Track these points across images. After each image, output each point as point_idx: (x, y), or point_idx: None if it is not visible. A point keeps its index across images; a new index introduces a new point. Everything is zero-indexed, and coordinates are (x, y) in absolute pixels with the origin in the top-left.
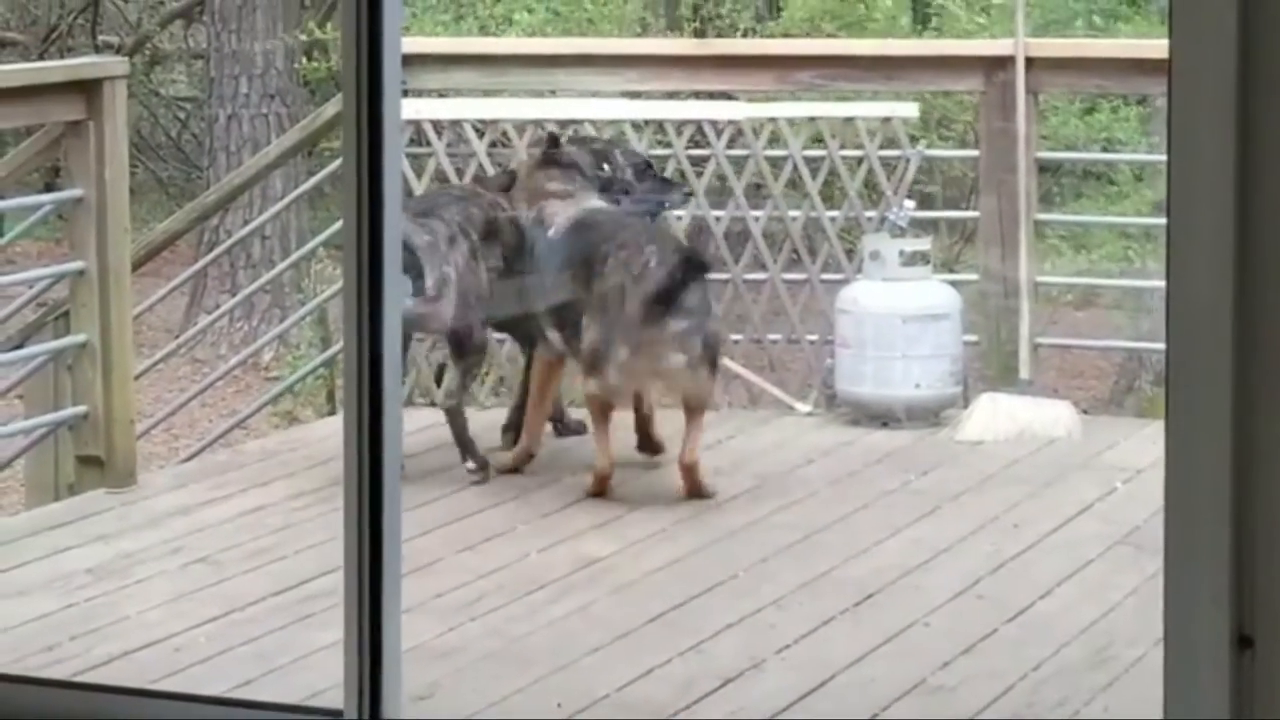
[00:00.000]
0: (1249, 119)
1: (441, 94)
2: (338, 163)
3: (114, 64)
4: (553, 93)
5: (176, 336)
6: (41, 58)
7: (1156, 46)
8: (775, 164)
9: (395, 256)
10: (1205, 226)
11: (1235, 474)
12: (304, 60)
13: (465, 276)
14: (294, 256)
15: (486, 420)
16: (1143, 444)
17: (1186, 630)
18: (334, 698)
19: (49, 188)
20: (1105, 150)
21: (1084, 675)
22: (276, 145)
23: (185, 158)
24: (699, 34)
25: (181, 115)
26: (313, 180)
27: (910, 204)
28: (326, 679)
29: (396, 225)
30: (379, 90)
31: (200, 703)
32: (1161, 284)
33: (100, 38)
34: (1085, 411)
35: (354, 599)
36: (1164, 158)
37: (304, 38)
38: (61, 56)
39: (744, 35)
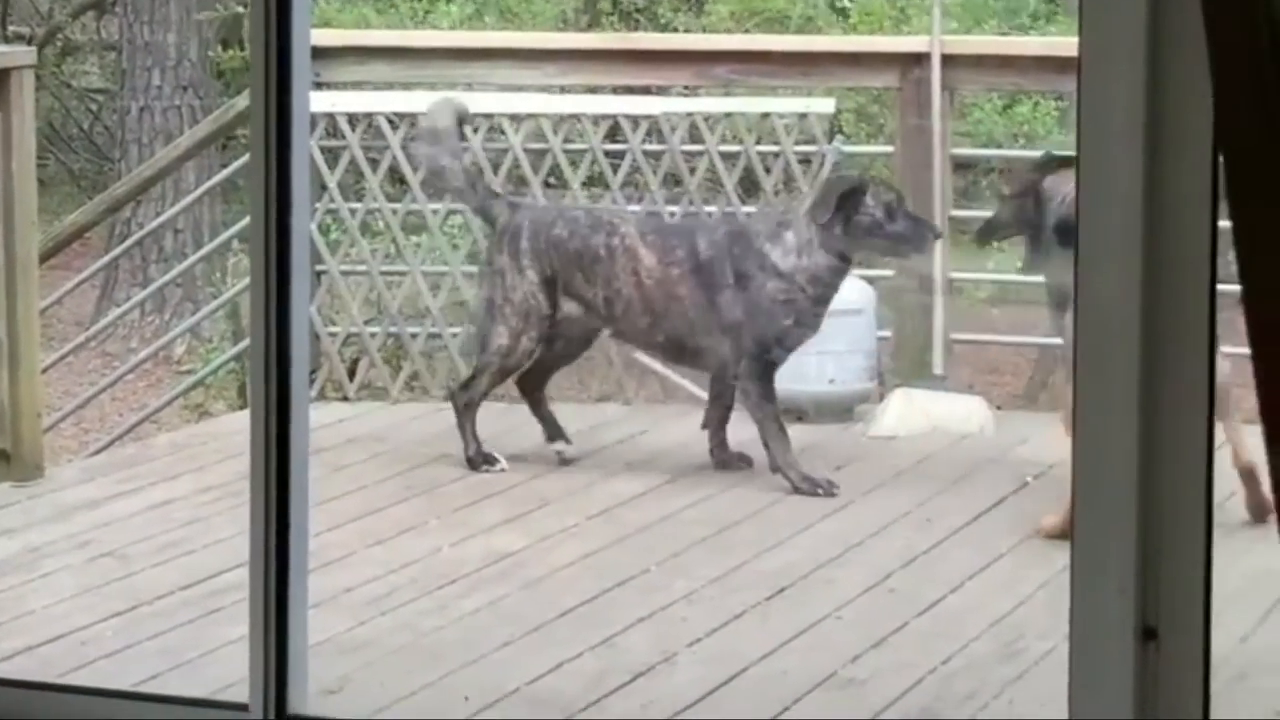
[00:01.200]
0: (1157, 119)
1: (359, 86)
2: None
3: (21, 54)
4: (468, 86)
5: (87, 329)
6: None
7: (1071, 44)
8: (692, 159)
9: (303, 250)
10: (1114, 225)
11: (1142, 467)
12: (220, 49)
13: None
14: (205, 249)
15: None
16: (1054, 440)
17: (1092, 621)
18: (241, 691)
19: None
20: (1026, 146)
21: (993, 668)
22: (188, 136)
23: (97, 150)
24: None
25: (93, 107)
26: (224, 173)
27: None
28: (234, 673)
29: (305, 219)
30: (287, 84)
31: (107, 697)
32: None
33: (10, 28)
34: (1000, 407)
35: (259, 594)
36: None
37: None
38: None
39: (667, 29)
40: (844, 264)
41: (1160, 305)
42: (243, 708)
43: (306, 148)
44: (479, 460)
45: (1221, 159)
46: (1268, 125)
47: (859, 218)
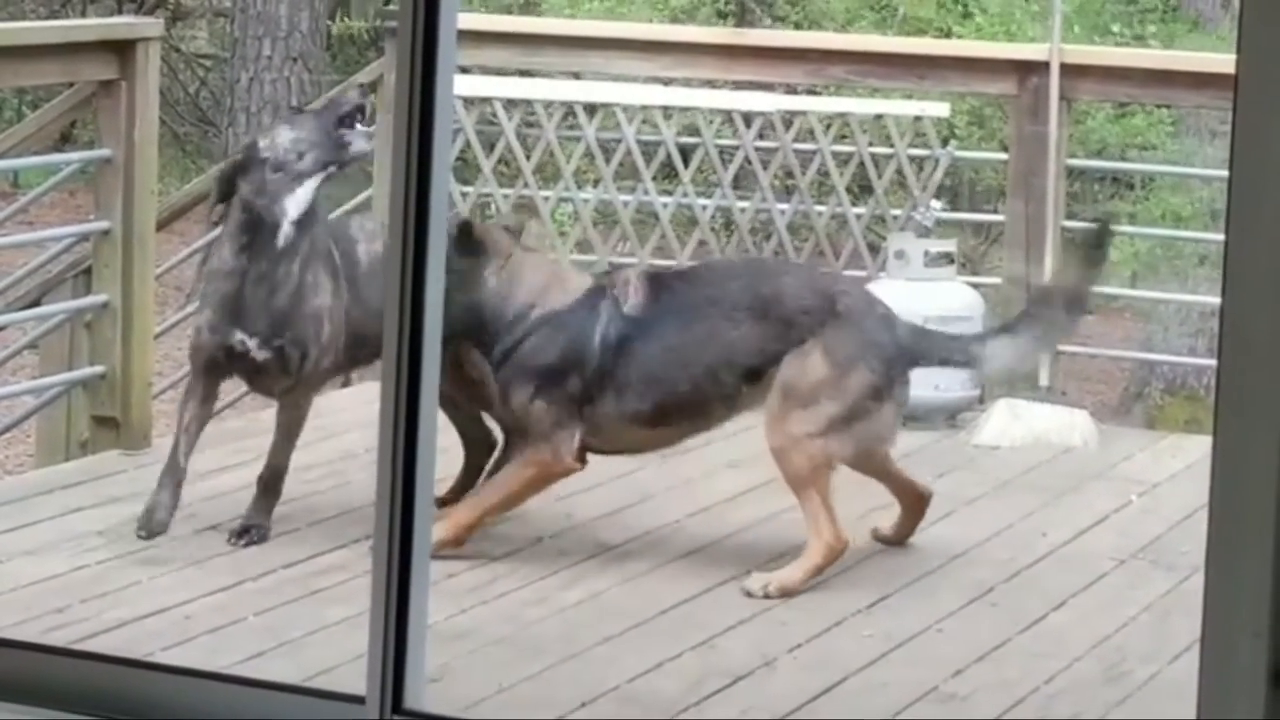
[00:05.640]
0: None
1: (471, 70)
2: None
3: (149, 25)
4: (576, 75)
5: (188, 295)
6: (64, 7)
7: (1188, 58)
8: (804, 157)
9: (440, 229)
10: (1265, 245)
11: None
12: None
13: None
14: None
15: None
16: (1158, 457)
17: (1224, 663)
18: (345, 674)
19: (56, 148)
20: (1143, 151)
21: (1097, 690)
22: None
23: (202, 115)
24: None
25: (200, 73)
26: None
27: (937, 204)
28: (338, 655)
29: (443, 198)
30: (433, 63)
31: (222, 681)
32: (1176, 297)
33: None
34: (1093, 415)
35: (381, 584)
36: (1190, 170)
37: None
38: (83, 7)
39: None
40: None
41: None
42: (359, 700)
43: (449, 128)
44: None
45: None
46: None
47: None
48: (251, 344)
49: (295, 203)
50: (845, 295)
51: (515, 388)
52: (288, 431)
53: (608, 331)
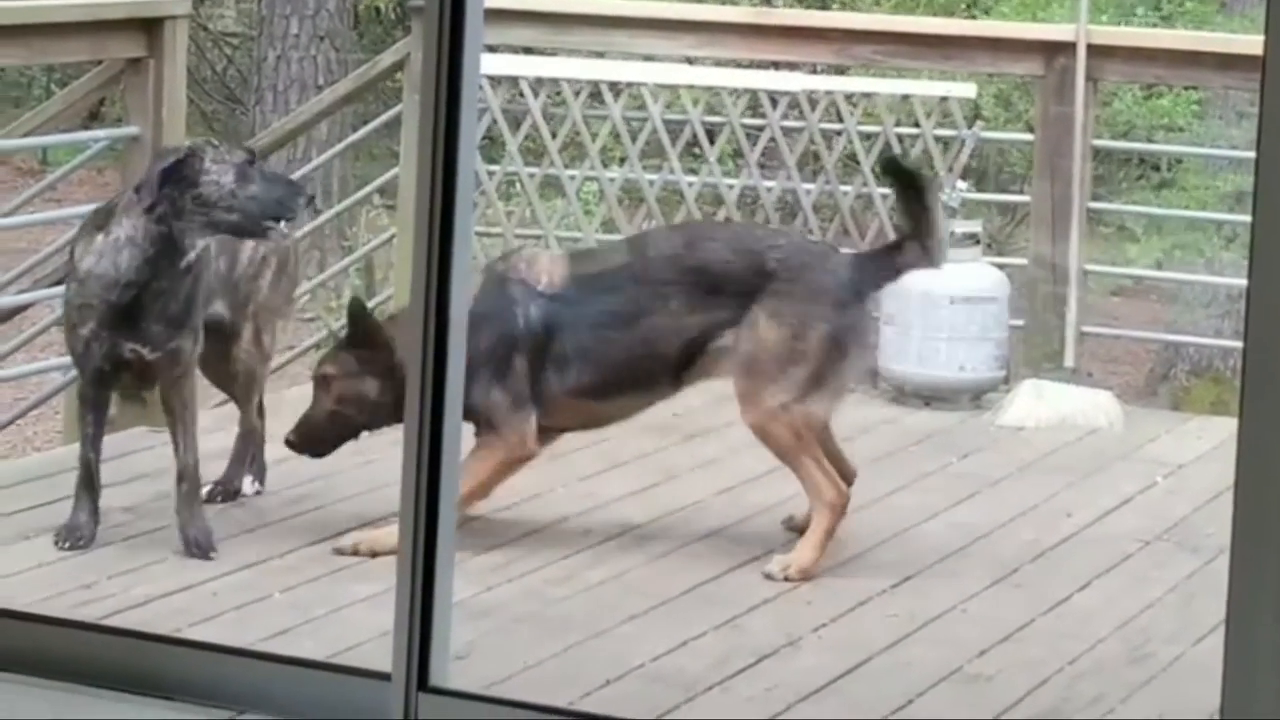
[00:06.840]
0: None
1: (497, 49)
2: (392, 111)
3: (176, 2)
4: (601, 54)
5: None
6: None
7: (1215, 39)
8: (829, 137)
9: (467, 210)
10: None
11: None
12: None
13: None
14: (347, 202)
15: None
16: (1183, 439)
17: (1249, 644)
18: (370, 651)
19: (84, 126)
20: (1169, 133)
21: (1121, 671)
22: (330, 92)
23: (230, 93)
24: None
25: (228, 51)
26: (367, 128)
27: (963, 185)
28: (362, 632)
29: (470, 177)
30: (459, 42)
31: (248, 657)
32: (1202, 278)
33: None
34: (1119, 397)
35: (408, 561)
36: (1218, 151)
37: None
38: None
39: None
40: (183, 253)
41: None
42: (385, 677)
43: (476, 107)
44: None
45: None
46: None
47: (200, 190)
48: (144, 350)
49: (205, 240)
50: (774, 250)
51: (468, 387)
52: (192, 418)
53: (528, 311)
